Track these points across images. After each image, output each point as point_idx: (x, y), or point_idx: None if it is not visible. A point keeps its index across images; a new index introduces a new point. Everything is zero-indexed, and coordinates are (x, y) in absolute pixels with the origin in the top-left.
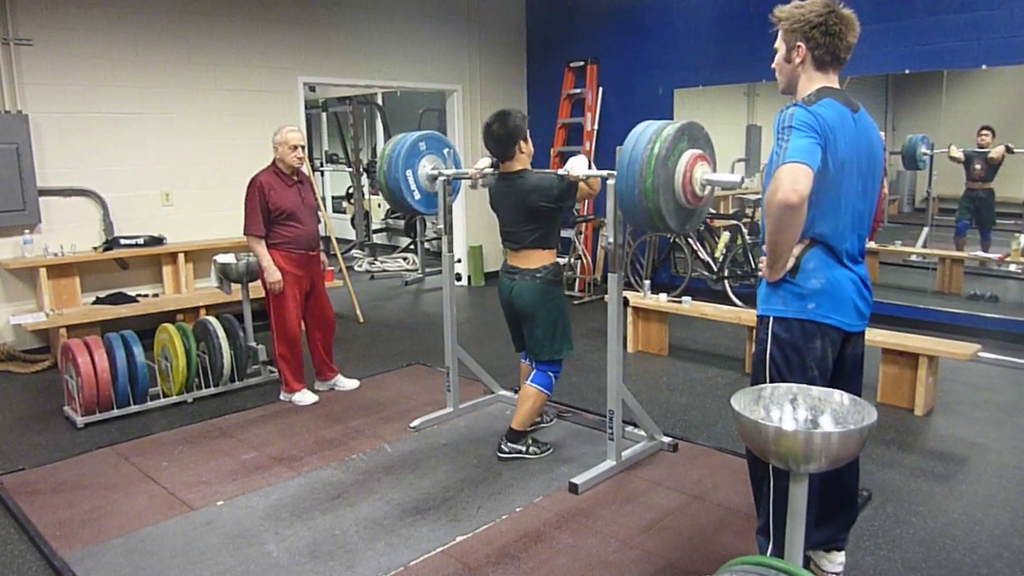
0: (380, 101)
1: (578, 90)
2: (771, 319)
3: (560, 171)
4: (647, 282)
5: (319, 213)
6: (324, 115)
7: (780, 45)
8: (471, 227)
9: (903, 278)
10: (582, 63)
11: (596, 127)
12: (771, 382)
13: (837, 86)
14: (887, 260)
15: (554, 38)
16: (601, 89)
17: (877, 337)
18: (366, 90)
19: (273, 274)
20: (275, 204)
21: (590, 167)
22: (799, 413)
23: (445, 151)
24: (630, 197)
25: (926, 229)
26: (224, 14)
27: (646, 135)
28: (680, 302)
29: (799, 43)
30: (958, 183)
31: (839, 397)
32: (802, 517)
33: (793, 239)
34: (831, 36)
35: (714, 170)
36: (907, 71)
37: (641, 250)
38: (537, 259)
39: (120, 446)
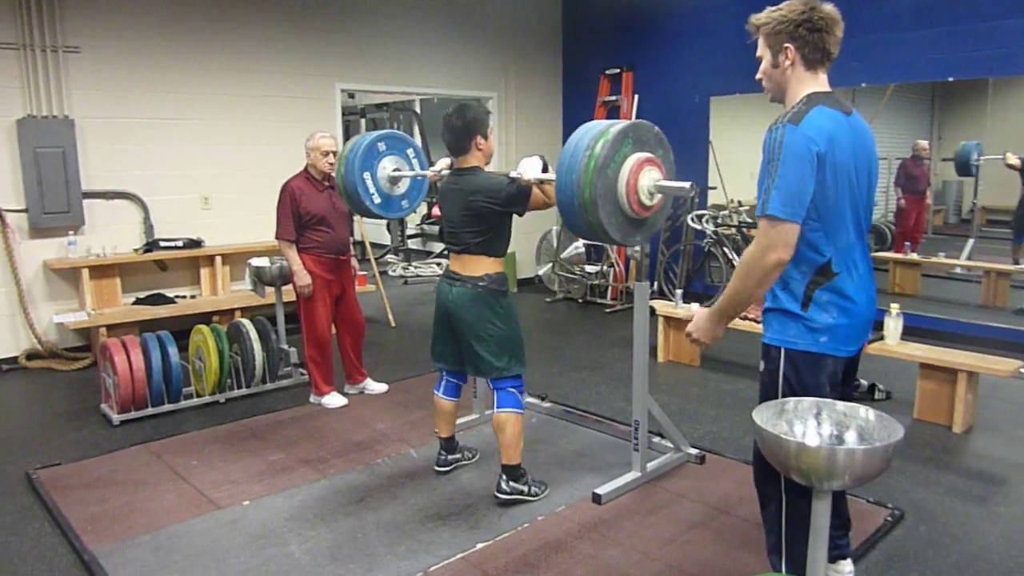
0: (418, 108)
1: (613, 97)
2: (782, 349)
3: (512, 173)
4: (679, 291)
5: (352, 218)
6: (363, 121)
7: (764, 52)
8: None
9: (946, 291)
10: (618, 70)
11: None
12: (783, 397)
13: (827, 88)
14: (930, 272)
15: (589, 45)
16: (637, 96)
17: (915, 352)
18: (403, 97)
19: (303, 278)
20: (306, 209)
21: (545, 170)
22: (823, 428)
23: (408, 151)
24: (569, 208)
25: (971, 240)
26: (264, 23)
27: (585, 139)
28: None
29: (787, 44)
30: (1005, 194)
31: (864, 412)
32: (825, 534)
33: (762, 293)
34: (818, 32)
35: (670, 174)
36: (951, 79)
37: (675, 259)
38: (481, 267)
39: (153, 444)
